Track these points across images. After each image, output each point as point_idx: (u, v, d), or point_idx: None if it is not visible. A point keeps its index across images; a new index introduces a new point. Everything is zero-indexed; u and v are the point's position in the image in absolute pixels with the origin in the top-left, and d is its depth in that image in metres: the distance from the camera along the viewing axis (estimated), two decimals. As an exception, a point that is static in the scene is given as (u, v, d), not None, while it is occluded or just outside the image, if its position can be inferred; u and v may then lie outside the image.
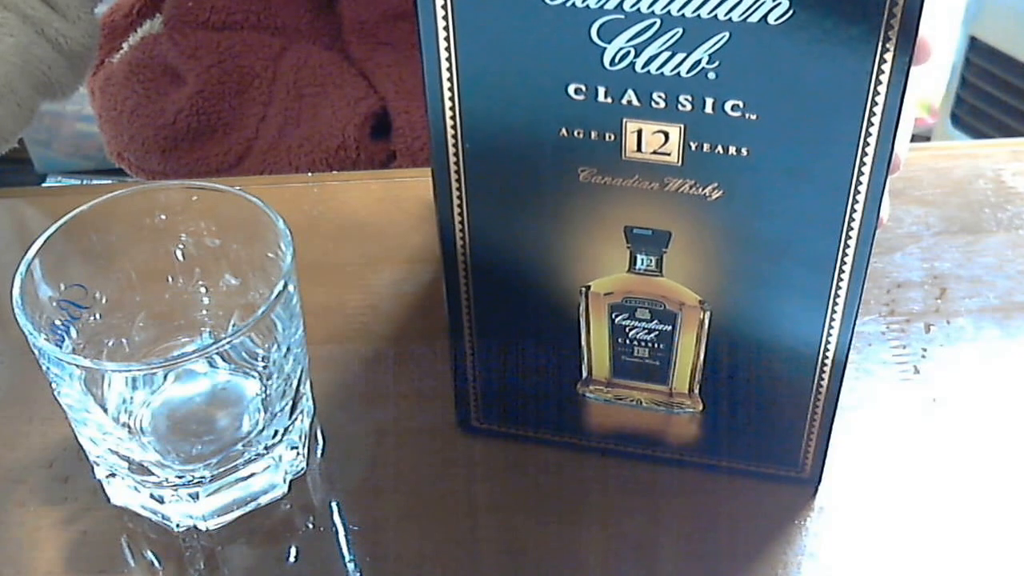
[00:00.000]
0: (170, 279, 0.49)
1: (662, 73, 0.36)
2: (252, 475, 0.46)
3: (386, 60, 0.80)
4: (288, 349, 0.45)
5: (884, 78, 0.34)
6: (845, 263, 0.40)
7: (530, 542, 0.47)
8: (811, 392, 0.44)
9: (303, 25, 0.81)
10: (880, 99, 0.35)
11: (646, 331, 0.44)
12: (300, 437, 0.48)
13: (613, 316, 0.44)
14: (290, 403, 0.46)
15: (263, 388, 0.46)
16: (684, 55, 0.35)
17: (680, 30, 0.35)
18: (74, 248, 0.46)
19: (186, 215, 0.47)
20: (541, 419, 0.49)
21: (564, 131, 0.38)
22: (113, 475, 0.46)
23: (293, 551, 0.47)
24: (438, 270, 0.44)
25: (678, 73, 0.36)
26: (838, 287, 0.40)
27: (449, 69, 0.38)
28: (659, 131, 0.37)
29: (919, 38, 0.34)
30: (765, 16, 0.34)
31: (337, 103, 0.78)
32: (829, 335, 0.42)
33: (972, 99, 1.36)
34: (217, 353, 0.44)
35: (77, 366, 0.41)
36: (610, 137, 0.38)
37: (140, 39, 0.83)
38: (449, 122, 0.39)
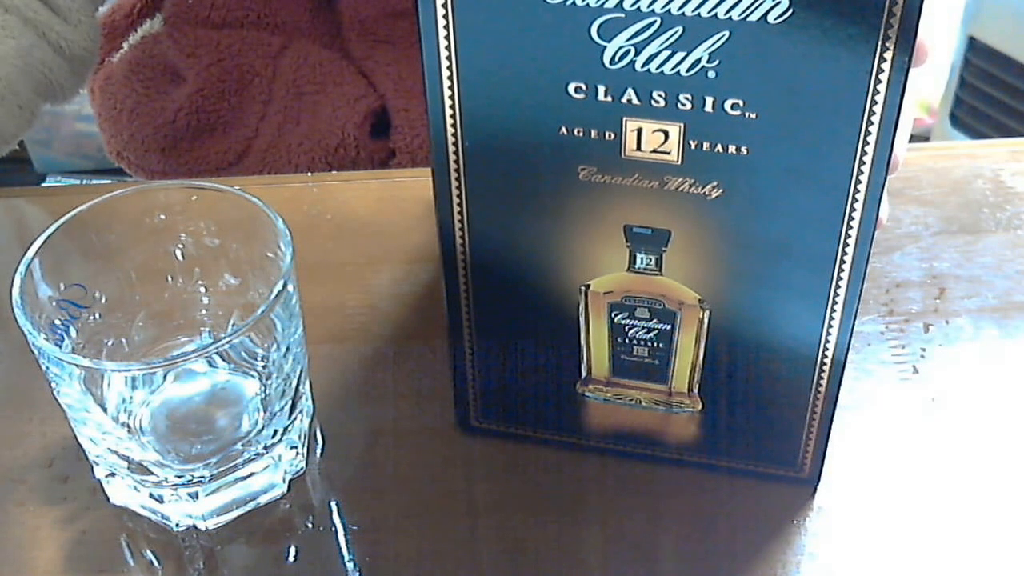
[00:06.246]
0: (169, 279, 0.49)
1: (662, 72, 0.36)
2: (251, 475, 0.46)
3: (386, 58, 0.80)
4: (287, 349, 0.45)
5: (884, 77, 0.34)
6: (844, 263, 0.40)
7: (529, 542, 0.47)
8: (810, 392, 0.44)
9: (303, 23, 0.81)
10: (879, 98, 0.35)
11: (645, 330, 0.44)
12: (299, 437, 0.48)
13: (612, 315, 0.44)
14: (289, 403, 0.46)
15: (262, 388, 0.46)
16: (684, 54, 0.35)
17: (680, 29, 0.35)
18: (74, 248, 0.46)
19: (186, 215, 0.47)
20: (540, 418, 0.49)
21: (564, 130, 0.38)
22: (113, 475, 0.46)
23: (292, 551, 0.47)
24: (438, 270, 0.44)
25: (678, 72, 0.36)
26: (837, 287, 0.40)
27: (449, 68, 0.38)
28: (659, 130, 0.37)
29: (917, 40, 0.34)
30: (765, 15, 0.34)
31: (337, 101, 0.78)
32: (828, 335, 0.42)
33: (971, 99, 1.36)
34: (217, 353, 0.44)
35: (77, 366, 0.41)
36: (610, 136, 0.38)
37: (140, 38, 0.83)
38: (449, 121, 0.39)
